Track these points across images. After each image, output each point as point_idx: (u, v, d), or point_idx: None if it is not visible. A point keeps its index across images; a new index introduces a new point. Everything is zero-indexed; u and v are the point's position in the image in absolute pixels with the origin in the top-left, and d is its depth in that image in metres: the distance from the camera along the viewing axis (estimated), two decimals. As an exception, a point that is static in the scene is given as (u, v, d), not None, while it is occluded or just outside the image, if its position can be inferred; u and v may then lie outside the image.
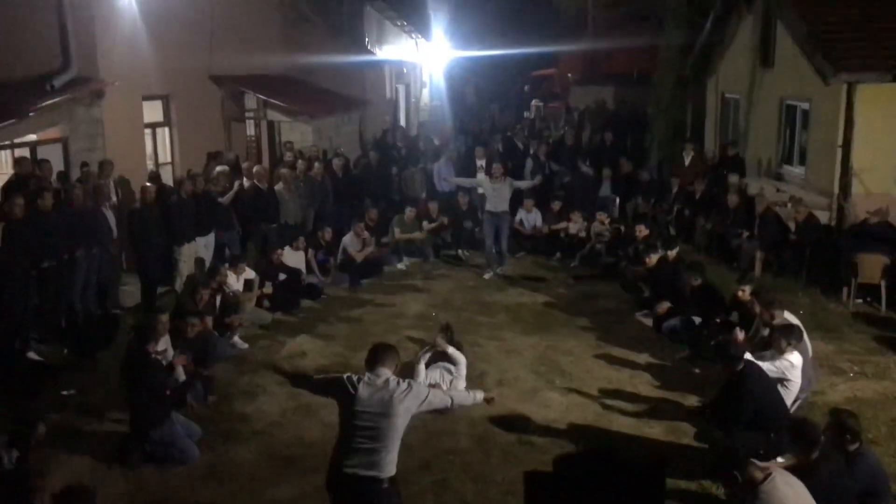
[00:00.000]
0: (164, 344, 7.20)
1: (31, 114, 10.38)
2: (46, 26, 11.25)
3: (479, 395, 5.25)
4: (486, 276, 12.08)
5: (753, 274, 11.29)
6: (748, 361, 6.40)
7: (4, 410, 7.18)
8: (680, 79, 17.39)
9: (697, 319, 8.80)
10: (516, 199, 13.06)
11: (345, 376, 4.76)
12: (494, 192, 11.85)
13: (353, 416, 4.56)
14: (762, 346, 7.27)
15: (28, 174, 9.89)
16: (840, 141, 11.90)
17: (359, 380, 4.67)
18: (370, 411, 4.54)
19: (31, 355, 8.55)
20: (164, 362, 7.10)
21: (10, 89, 10.71)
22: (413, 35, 28.02)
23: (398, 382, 4.65)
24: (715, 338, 7.87)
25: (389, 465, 4.56)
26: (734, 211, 12.58)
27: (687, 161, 14.66)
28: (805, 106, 13.26)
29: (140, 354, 6.83)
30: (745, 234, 12.21)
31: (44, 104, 10.61)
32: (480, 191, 12.90)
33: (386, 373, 4.69)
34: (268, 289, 10.17)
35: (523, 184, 12.79)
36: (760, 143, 14.95)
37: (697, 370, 8.41)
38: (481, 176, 12.69)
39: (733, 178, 13.53)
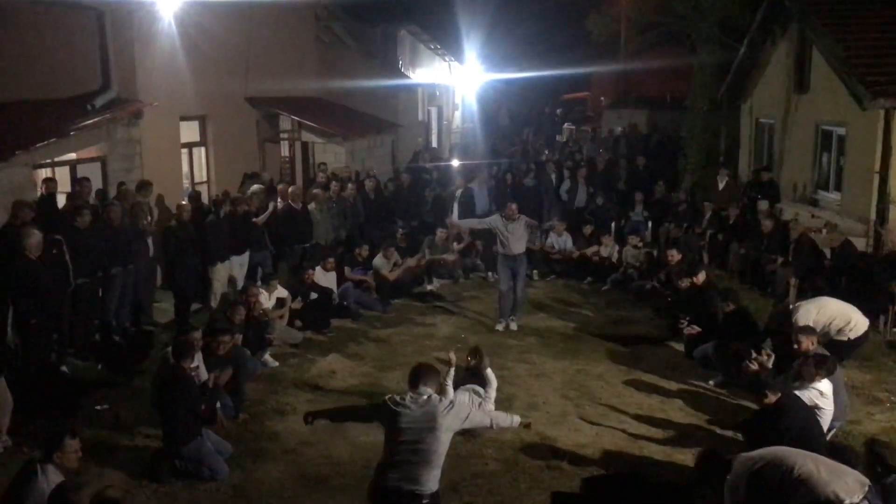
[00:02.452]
0: (197, 360, 7.27)
1: (71, 133, 10.61)
2: (87, 48, 11.54)
3: (517, 419, 5.28)
4: (499, 326, 10.74)
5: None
6: (789, 394, 6.29)
7: (42, 424, 7.30)
8: (713, 103, 17.32)
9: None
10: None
11: (387, 398, 4.92)
12: (509, 234, 10.61)
13: (398, 433, 4.69)
14: (795, 375, 7.15)
15: (53, 193, 10.07)
16: (877, 167, 11.75)
17: (402, 399, 4.82)
18: (414, 427, 4.68)
19: (63, 370, 8.68)
20: (197, 380, 7.17)
21: (51, 109, 10.99)
22: (446, 58, 28.26)
23: (440, 400, 4.82)
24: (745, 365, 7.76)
25: (431, 482, 4.66)
26: (768, 236, 12.44)
27: (721, 186, 14.57)
28: (841, 131, 13.12)
29: (174, 371, 6.91)
30: (780, 259, 12.06)
31: (84, 124, 10.83)
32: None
33: (428, 391, 4.84)
34: (296, 304, 10.20)
35: (535, 223, 11.79)
36: (795, 168, 14.81)
37: (730, 397, 8.30)
38: (494, 216, 11.25)
39: (762, 205, 13.40)
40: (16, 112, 10.43)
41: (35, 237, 8.16)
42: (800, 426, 6.07)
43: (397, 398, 4.85)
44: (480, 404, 7.56)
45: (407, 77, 22.94)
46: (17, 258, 8.02)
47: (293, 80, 16.20)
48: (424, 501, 4.62)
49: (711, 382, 8.69)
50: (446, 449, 4.75)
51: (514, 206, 10.85)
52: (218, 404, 7.32)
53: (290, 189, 12.66)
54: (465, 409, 4.89)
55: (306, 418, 5.51)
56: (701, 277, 9.71)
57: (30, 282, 8.01)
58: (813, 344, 7.37)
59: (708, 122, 17.40)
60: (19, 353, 8.09)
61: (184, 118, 13.34)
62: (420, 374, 4.93)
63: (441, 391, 5.19)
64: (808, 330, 7.53)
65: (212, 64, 13.46)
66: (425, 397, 4.80)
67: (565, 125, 29.44)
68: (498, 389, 7.92)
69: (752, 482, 4.95)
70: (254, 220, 11.55)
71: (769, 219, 12.75)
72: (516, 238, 10.64)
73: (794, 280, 11.58)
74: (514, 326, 10.76)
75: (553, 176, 16.55)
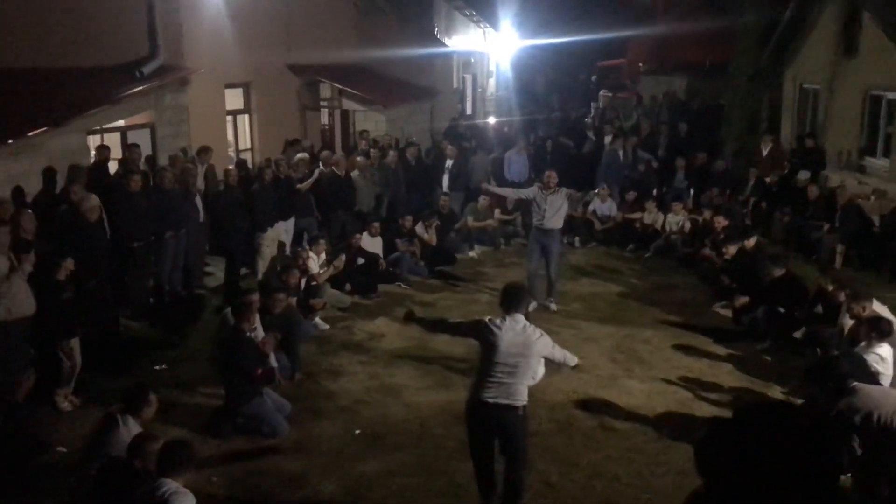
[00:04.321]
0: (255, 322, 7.42)
1: (122, 100, 10.77)
2: (135, 16, 11.66)
3: (574, 360, 5.81)
4: (531, 307, 8.84)
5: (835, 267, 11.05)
6: (850, 354, 6.27)
7: (105, 383, 7.54)
8: (756, 69, 17.05)
9: (780, 310, 8.66)
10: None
11: (487, 320, 5.31)
12: (547, 206, 9.86)
13: (497, 355, 5.13)
14: (850, 340, 7.14)
15: (105, 160, 10.25)
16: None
17: (500, 323, 5.21)
18: (512, 351, 5.13)
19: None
20: (256, 340, 7.33)
21: (101, 76, 11.14)
22: (481, 25, 28.02)
23: (534, 329, 5.27)
24: (799, 329, 7.77)
25: (523, 396, 5.19)
26: (814, 203, 12.33)
27: (764, 152, 14.40)
28: (892, 96, 12.92)
29: (234, 332, 7.07)
30: (825, 226, 11.95)
31: (133, 90, 10.99)
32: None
33: (521, 318, 5.26)
34: (339, 262, 10.23)
35: (577, 193, 11.27)
36: (841, 134, 14.59)
37: (779, 362, 8.31)
38: (532, 187, 10.48)
39: (803, 175, 13.23)
40: (67, 79, 10.59)
41: (93, 201, 8.36)
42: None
43: (497, 321, 5.23)
44: None
45: (442, 44, 22.83)
46: (76, 222, 8.22)
47: (333, 48, 16.21)
48: (519, 412, 5.18)
49: (760, 347, 8.69)
50: (537, 364, 5.27)
51: (553, 175, 10.10)
52: (276, 364, 7.47)
53: (333, 156, 12.72)
54: (549, 342, 5.35)
55: (407, 316, 6.21)
56: (752, 242, 9.67)
57: (88, 244, 8.20)
58: (865, 309, 7.33)
59: (751, 89, 17.13)
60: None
61: (228, 85, 13.48)
62: (513, 299, 5.33)
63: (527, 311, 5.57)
64: (859, 296, 7.49)
65: (255, 31, 13.53)
66: (521, 325, 5.21)
67: (601, 92, 29.13)
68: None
69: None
70: (297, 186, 11.66)
71: (814, 185, 12.62)
72: (553, 211, 9.90)
73: (840, 247, 11.50)
74: (553, 307, 10.11)
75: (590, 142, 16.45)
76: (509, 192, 11.88)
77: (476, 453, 5.39)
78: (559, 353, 5.53)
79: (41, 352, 6.75)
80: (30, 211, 7.77)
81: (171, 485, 4.31)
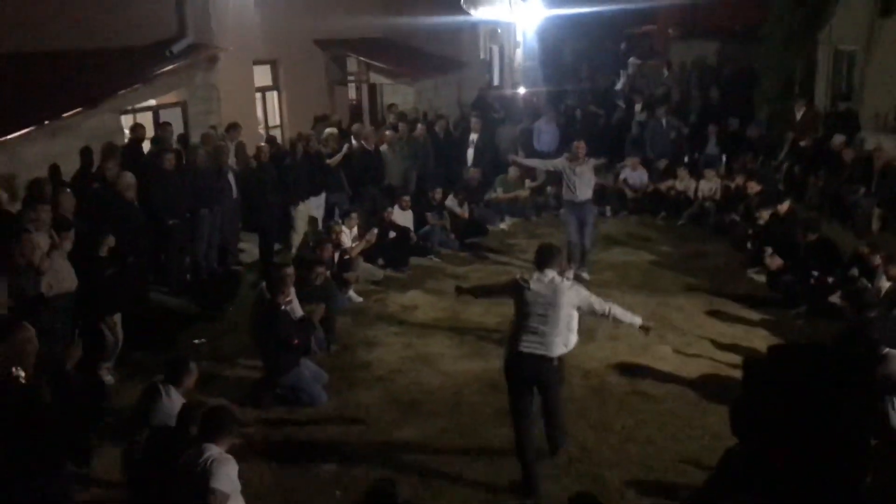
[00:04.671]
0: (291, 294, 7.53)
1: (153, 79, 10.89)
2: (162, -6, 11.75)
3: (638, 320, 5.88)
4: (569, 274, 8.74)
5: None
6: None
7: (146, 357, 7.73)
8: (790, 32, 16.71)
9: (814, 275, 8.59)
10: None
11: (518, 276, 5.68)
12: (577, 178, 9.83)
13: (528, 306, 5.44)
14: (887, 302, 7.08)
15: (140, 140, 10.38)
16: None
17: (530, 278, 5.53)
18: (542, 302, 5.41)
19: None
20: (292, 313, 7.45)
21: (132, 56, 11.26)
22: (507, -7, 27.71)
23: (563, 280, 5.58)
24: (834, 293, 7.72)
25: (557, 347, 5.45)
26: (850, 167, 12.13)
27: (798, 116, 14.17)
28: (931, 55, 12.60)
29: (270, 306, 7.20)
30: (862, 190, 11.76)
31: (164, 70, 11.10)
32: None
33: (552, 273, 5.53)
34: (371, 236, 10.32)
35: (602, 161, 11.23)
36: (878, 96, 14.27)
37: (814, 326, 8.26)
38: (560, 159, 10.39)
39: (838, 139, 12.99)
40: (99, 60, 10.72)
41: (127, 178, 8.52)
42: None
43: (527, 276, 5.55)
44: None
45: (468, 15, 22.65)
46: (114, 200, 8.38)
47: (359, 22, 16.17)
48: (554, 363, 5.47)
49: (795, 312, 8.64)
50: (568, 321, 5.48)
51: (581, 146, 9.98)
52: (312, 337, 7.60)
53: (363, 130, 12.77)
54: (584, 292, 5.62)
55: (458, 290, 6.51)
56: (785, 207, 9.58)
57: (124, 222, 8.36)
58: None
59: (784, 52, 16.81)
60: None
61: (256, 62, 13.54)
62: (545, 257, 5.62)
63: (563, 272, 5.94)
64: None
65: (281, 8, 13.54)
66: (549, 278, 5.50)
67: (630, 60, 28.74)
68: (578, 321, 8.05)
69: None
70: (327, 161, 11.73)
71: (849, 148, 12.41)
72: (584, 182, 9.87)
73: (877, 210, 11.32)
74: (586, 276, 9.94)
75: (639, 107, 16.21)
76: (537, 164, 11.85)
77: (515, 409, 5.58)
78: (599, 305, 5.64)
79: (85, 327, 6.90)
80: (69, 190, 7.92)
81: (213, 450, 4.43)
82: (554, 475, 5.79)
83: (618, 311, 5.73)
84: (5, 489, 3.47)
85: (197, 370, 5.57)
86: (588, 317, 5.77)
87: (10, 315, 5.70)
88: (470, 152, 14.13)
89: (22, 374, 3.81)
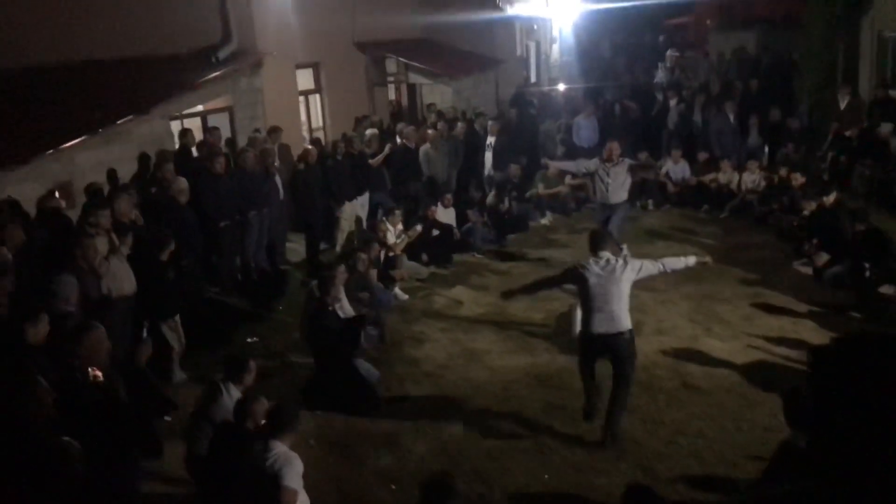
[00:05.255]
0: (339, 294, 7.69)
1: (201, 85, 11.17)
2: (206, 2, 12.01)
3: (692, 260, 6.37)
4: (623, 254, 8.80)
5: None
6: None
7: (201, 355, 7.96)
8: (831, 19, 16.46)
9: (864, 265, 8.52)
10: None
11: (578, 263, 6.14)
12: (611, 180, 9.64)
13: (591, 289, 5.90)
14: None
15: (191, 144, 10.64)
16: None
17: (587, 263, 6.01)
18: (601, 283, 5.88)
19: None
20: (342, 312, 7.62)
21: (179, 63, 11.56)
22: (542, -10, 27.66)
23: (617, 260, 6.04)
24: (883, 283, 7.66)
25: (625, 321, 5.89)
26: (896, 156, 11.97)
27: (843, 105, 13.97)
28: (978, 39, 12.35)
29: (319, 305, 7.37)
30: (910, 179, 11.61)
31: (212, 76, 11.38)
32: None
33: (606, 254, 6.04)
34: (413, 231, 10.46)
35: (638, 162, 11.06)
36: (925, 82, 14.05)
37: (863, 318, 8.20)
38: (593, 160, 10.24)
39: (885, 128, 12.79)
40: (148, 68, 11.03)
41: (182, 183, 8.77)
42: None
43: (583, 262, 6.03)
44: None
45: (504, 12, 22.69)
46: (169, 203, 8.64)
47: (396, 21, 16.32)
48: (626, 335, 5.89)
49: (843, 304, 8.57)
50: (628, 294, 5.95)
51: (615, 147, 9.78)
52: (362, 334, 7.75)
53: (405, 129, 12.93)
54: (636, 263, 6.04)
55: (504, 295, 6.91)
56: (832, 198, 9.50)
57: (180, 225, 8.61)
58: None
59: (826, 40, 16.56)
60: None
61: (299, 66, 13.77)
62: (599, 241, 6.19)
63: (616, 252, 6.49)
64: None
65: (321, 11, 13.75)
66: (605, 259, 5.99)
67: (668, 52, 28.51)
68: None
69: None
70: (370, 161, 11.90)
71: (895, 137, 12.23)
72: (618, 184, 9.65)
73: (926, 199, 11.17)
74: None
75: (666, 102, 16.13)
76: (571, 167, 11.60)
77: (583, 370, 6.25)
78: (654, 266, 6.09)
79: (151, 328, 7.16)
80: (127, 194, 8.16)
81: (280, 448, 4.60)
82: (605, 468, 5.87)
83: (671, 263, 6.24)
84: (89, 484, 3.65)
85: (255, 367, 5.74)
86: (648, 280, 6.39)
87: (80, 317, 5.92)
88: (488, 156, 13.79)
89: (100, 374, 4.00)
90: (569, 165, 11.70)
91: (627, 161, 9.94)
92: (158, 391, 6.15)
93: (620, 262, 6.03)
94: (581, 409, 6.40)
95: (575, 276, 6.06)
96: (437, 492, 4.03)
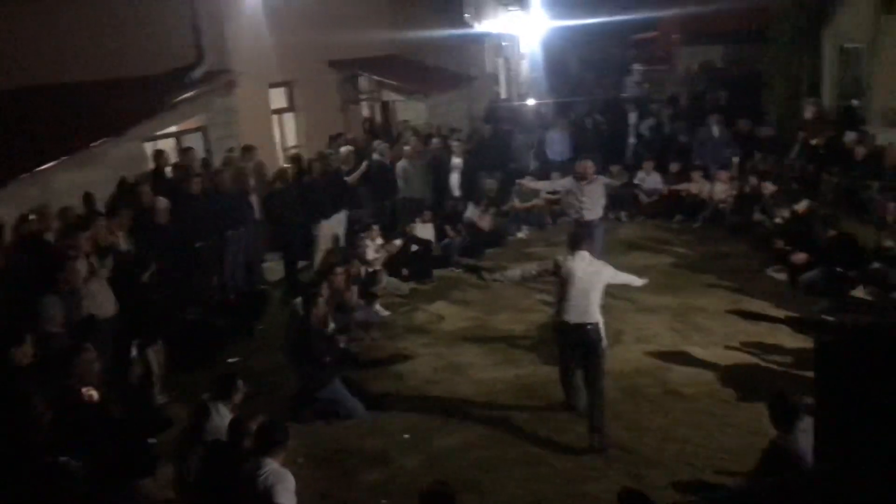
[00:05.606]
0: (324, 310, 7.66)
1: (175, 106, 11.12)
2: (179, 23, 11.97)
3: (640, 281, 7.12)
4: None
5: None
6: None
7: (181, 377, 7.89)
8: (795, 33, 16.86)
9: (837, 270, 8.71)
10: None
11: (559, 258, 6.65)
12: (586, 198, 9.44)
13: (571, 284, 6.40)
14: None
15: (164, 166, 10.57)
16: (978, 83, 11.41)
17: (568, 259, 6.52)
18: (584, 278, 6.39)
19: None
20: (326, 329, 7.61)
21: (152, 84, 11.50)
22: (510, 7, 27.97)
23: (596, 260, 6.65)
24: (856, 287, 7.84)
25: (595, 315, 6.41)
26: (862, 163, 12.24)
27: (808, 115, 14.30)
28: (937, 50, 12.72)
29: (303, 324, 7.35)
30: (876, 185, 11.87)
31: (185, 96, 11.32)
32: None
33: (585, 254, 6.54)
34: (392, 246, 10.48)
35: (616, 182, 11.13)
36: (886, 92, 14.39)
37: (839, 321, 8.35)
38: (567, 179, 10.03)
39: (850, 136, 13.11)
40: (121, 89, 10.96)
41: (161, 203, 8.73)
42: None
43: (562, 258, 6.59)
44: None
45: (474, 29, 22.90)
46: (149, 224, 8.58)
47: (369, 41, 16.41)
48: (591, 326, 6.38)
49: (818, 308, 8.73)
50: (602, 288, 6.51)
51: (588, 165, 9.58)
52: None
53: (380, 146, 12.97)
54: (611, 269, 6.68)
55: (496, 280, 7.99)
56: (804, 205, 9.70)
57: (161, 246, 8.56)
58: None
59: (791, 53, 16.95)
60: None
61: (272, 85, 13.76)
62: (577, 241, 6.72)
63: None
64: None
65: (294, 31, 13.76)
66: (588, 259, 6.52)
67: (636, 66, 28.96)
68: (605, 325, 8.19)
69: None
70: (346, 178, 11.92)
71: (860, 145, 12.53)
72: (593, 202, 9.47)
73: (892, 206, 11.41)
74: None
75: (632, 115, 16.39)
76: (545, 186, 11.63)
77: (563, 360, 6.75)
78: (624, 277, 6.87)
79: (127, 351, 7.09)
80: (102, 218, 8.11)
81: (271, 465, 4.59)
82: (595, 476, 5.92)
83: (631, 279, 7.00)
84: (90, 502, 3.62)
85: (244, 386, 5.72)
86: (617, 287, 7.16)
87: (68, 337, 5.86)
88: (454, 177, 13.51)
89: (94, 394, 3.97)
90: (544, 185, 11.70)
91: (602, 179, 9.86)
92: (154, 409, 6.09)
93: (600, 263, 6.66)
94: (567, 417, 6.50)
95: (563, 269, 6.51)
96: (439, 499, 4.04)
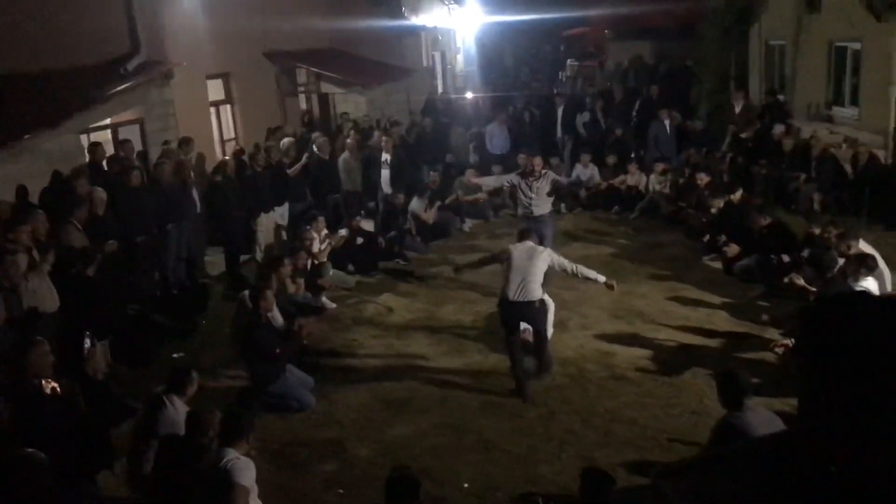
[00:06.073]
0: (272, 306, 7.61)
1: (110, 98, 10.84)
2: (113, 13, 11.66)
3: (602, 278, 7.46)
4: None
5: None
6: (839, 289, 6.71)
7: (126, 373, 7.75)
8: (724, 29, 17.44)
9: (771, 257, 9.07)
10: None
11: (506, 248, 7.47)
12: (534, 194, 9.41)
13: (512, 266, 7.13)
14: (841, 277, 7.55)
15: (101, 158, 10.31)
16: (894, 79, 12.01)
17: (513, 247, 7.38)
18: (521, 260, 7.14)
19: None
20: (274, 322, 7.57)
21: (86, 75, 11.17)
22: (446, 1, 28.10)
23: (537, 246, 7.48)
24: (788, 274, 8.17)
25: (537, 292, 7.08)
26: (790, 155, 12.76)
27: (737, 109, 14.80)
28: (856, 46, 13.35)
29: (252, 317, 7.30)
30: (802, 177, 12.39)
31: (121, 87, 11.04)
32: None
33: (529, 243, 7.42)
34: (338, 238, 10.48)
35: (564, 179, 10.99)
36: (808, 87, 15.05)
37: (773, 306, 8.73)
38: (512, 174, 10.04)
39: (778, 129, 13.65)
40: (53, 81, 10.63)
41: (100, 194, 8.54)
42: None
43: (509, 247, 7.41)
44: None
45: (409, 21, 22.93)
46: (68, 225, 8.33)
47: (306, 32, 16.26)
48: (536, 304, 7.08)
49: (753, 294, 9.09)
50: (542, 273, 7.18)
51: (538, 161, 9.58)
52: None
53: (319, 140, 12.90)
54: (553, 254, 7.44)
55: (456, 269, 8.52)
56: (737, 195, 10.06)
57: (101, 238, 8.36)
58: (851, 247, 7.77)
59: (720, 48, 17.53)
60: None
61: (210, 76, 13.54)
62: (524, 233, 7.63)
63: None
64: (846, 236, 7.92)
65: (231, 22, 13.58)
66: (528, 245, 7.37)
67: (568, 62, 29.43)
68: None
69: None
70: (288, 171, 11.83)
71: (788, 138, 13.06)
72: (541, 197, 9.47)
73: (817, 195, 11.96)
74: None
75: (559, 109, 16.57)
76: (491, 182, 11.63)
77: (508, 340, 7.25)
78: (570, 266, 7.40)
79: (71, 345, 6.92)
80: (41, 211, 7.89)
81: (232, 454, 4.58)
82: (547, 459, 6.07)
83: (584, 271, 7.42)
84: (56, 494, 3.55)
85: (197, 378, 5.67)
86: (560, 274, 7.65)
87: (15, 331, 5.70)
88: (385, 174, 13.09)
89: (54, 385, 3.90)
90: (490, 181, 11.70)
91: (551, 174, 9.74)
92: (117, 399, 5.98)
93: (541, 248, 7.42)
94: (517, 403, 6.65)
95: (503, 256, 7.39)
96: (405, 484, 4.10)
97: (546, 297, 7.55)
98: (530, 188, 9.44)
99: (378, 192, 13.15)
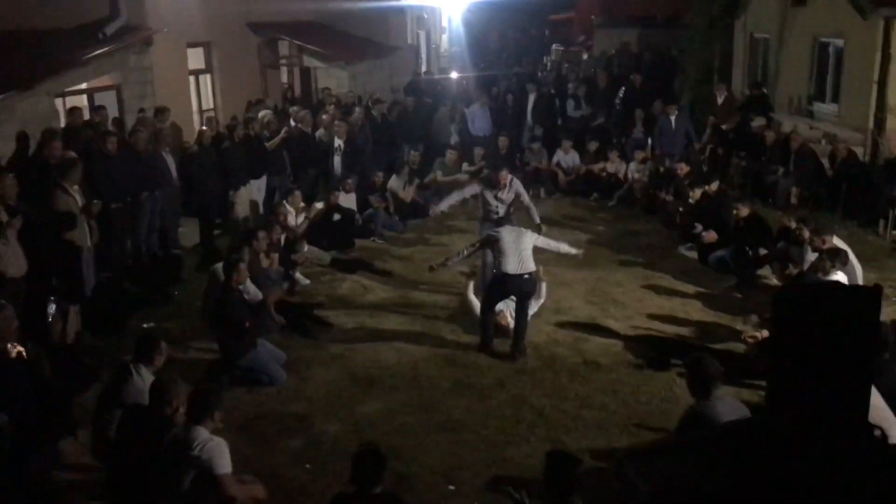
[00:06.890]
0: (244, 279, 7.54)
1: (87, 61, 10.66)
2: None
3: (574, 250, 8.28)
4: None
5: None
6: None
7: (96, 342, 7.66)
8: (711, 20, 17.45)
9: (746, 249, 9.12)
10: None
11: (492, 231, 7.97)
12: (501, 203, 8.88)
13: (505, 246, 7.51)
14: (812, 272, 7.60)
15: (78, 123, 10.13)
16: (876, 76, 12.08)
17: (499, 230, 7.86)
18: (512, 240, 7.57)
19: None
20: (246, 294, 7.50)
21: (64, 38, 10.99)
22: (432, -21, 27.87)
23: (523, 228, 7.98)
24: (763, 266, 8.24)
25: (529, 264, 7.51)
26: (770, 148, 12.82)
27: (720, 100, 14.85)
28: (839, 43, 13.39)
29: (224, 289, 7.23)
30: (781, 170, 12.47)
31: (99, 52, 10.87)
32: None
33: (509, 226, 8.07)
34: (315, 212, 10.39)
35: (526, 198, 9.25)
36: (791, 81, 15.10)
37: (746, 298, 8.79)
38: (475, 185, 9.34)
39: (759, 121, 13.70)
40: (31, 42, 10.44)
41: (77, 167, 8.36)
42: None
43: (496, 230, 7.95)
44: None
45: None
46: (56, 189, 8.19)
47: (290, 4, 16.09)
48: (528, 275, 7.50)
49: (727, 285, 9.15)
50: (531, 249, 7.60)
51: (504, 175, 8.87)
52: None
53: (300, 114, 12.76)
54: (537, 235, 7.94)
55: (431, 268, 8.44)
56: (714, 186, 10.10)
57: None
58: (825, 242, 7.82)
59: (705, 39, 17.55)
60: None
61: (190, 45, 13.36)
62: (501, 220, 8.46)
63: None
64: (820, 230, 7.98)
65: (214, -11, 13.42)
66: (514, 227, 8.01)
67: (553, 46, 29.34)
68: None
69: None
70: (266, 144, 11.70)
71: (770, 131, 13.12)
72: (507, 207, 8.95)
73: (794, 189, 12.04)
74: None
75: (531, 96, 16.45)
76: (455, 197, 9.76)
77: (487, 306, 7.71)
78: (553, 244, 8.08)
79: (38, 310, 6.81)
80: (11, 175, 7.71)
81: (203, 433, 4.52)
82: (515, 441, 6.07)
83: (566, 248, 8.16)
84: (14, 457, 3.49)
85: (166, 347, 5.60)
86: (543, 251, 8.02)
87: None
88: (336, 160, 12.64)
89: (20, 349, 3.83)
90: (453, 197, 9.80)
91: (517, 185, 9.02)
92: (84, 366, 5.90)
93: (525, 229, 7.90)
94: (488, 385, 6.65)
95: (490, 240, 7.75)
96: (371, 460, 4.08)
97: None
98: (496, 198, 8.89)
99: (330, 176, 12.55)
